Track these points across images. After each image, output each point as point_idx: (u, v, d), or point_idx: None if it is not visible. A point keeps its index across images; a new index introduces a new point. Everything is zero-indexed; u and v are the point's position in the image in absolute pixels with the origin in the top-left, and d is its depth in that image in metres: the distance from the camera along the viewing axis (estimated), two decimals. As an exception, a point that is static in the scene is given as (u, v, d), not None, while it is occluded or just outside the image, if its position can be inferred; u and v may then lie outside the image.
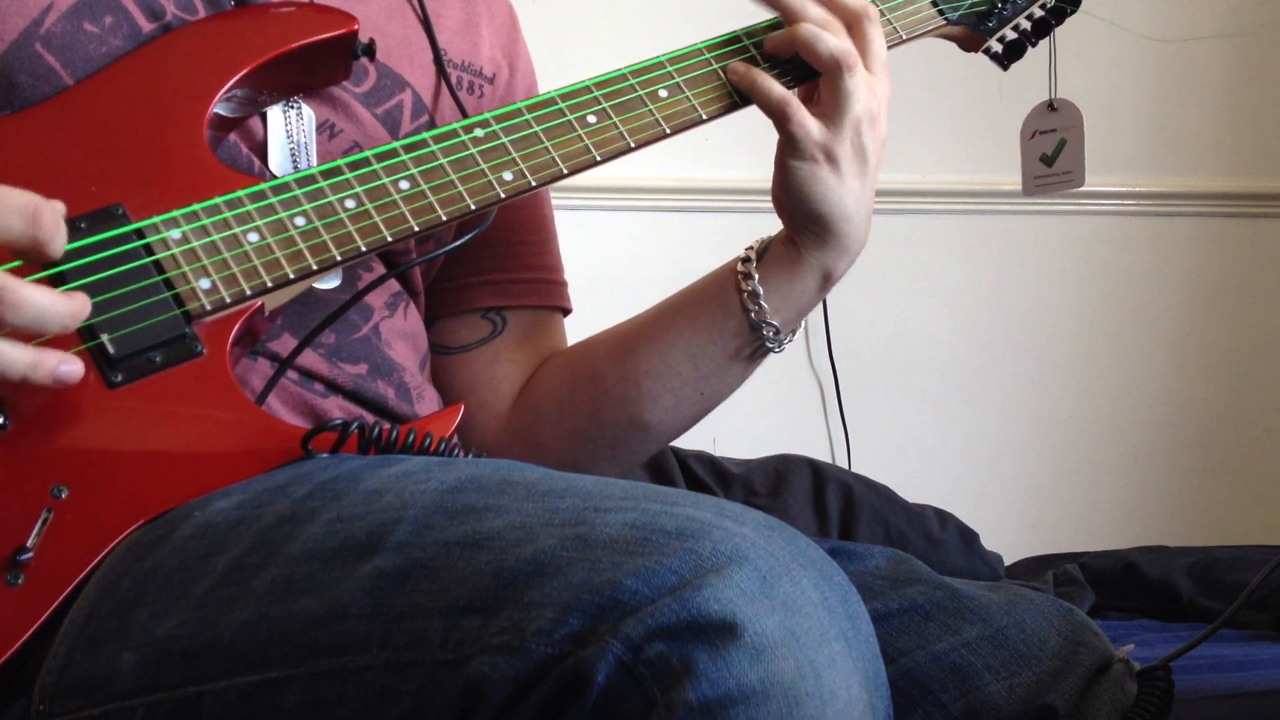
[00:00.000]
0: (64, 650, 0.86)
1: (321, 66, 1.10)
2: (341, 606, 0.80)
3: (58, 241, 0.88)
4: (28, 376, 0.87)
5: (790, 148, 1.11)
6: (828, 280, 1.17)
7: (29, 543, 0.88)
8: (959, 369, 2.61)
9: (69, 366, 0.88)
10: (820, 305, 2.50)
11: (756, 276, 1.16)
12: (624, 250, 2.42)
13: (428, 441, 0.97)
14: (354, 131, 1.13)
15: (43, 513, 0.90)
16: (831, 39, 1.11)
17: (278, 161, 1.09)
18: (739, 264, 1.18)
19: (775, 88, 1.11)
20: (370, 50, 1.11)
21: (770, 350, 1.18)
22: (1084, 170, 1.52)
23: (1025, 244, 2.62)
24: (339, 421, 0.96)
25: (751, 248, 1.19)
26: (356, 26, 1.08)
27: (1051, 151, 1.54)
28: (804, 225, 1.14)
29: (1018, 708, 0.98)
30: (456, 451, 0.98)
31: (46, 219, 0.87)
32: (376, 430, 0.96)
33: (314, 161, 1.10)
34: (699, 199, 2.49)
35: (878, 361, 2.57)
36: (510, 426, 1.25)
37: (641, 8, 2.46)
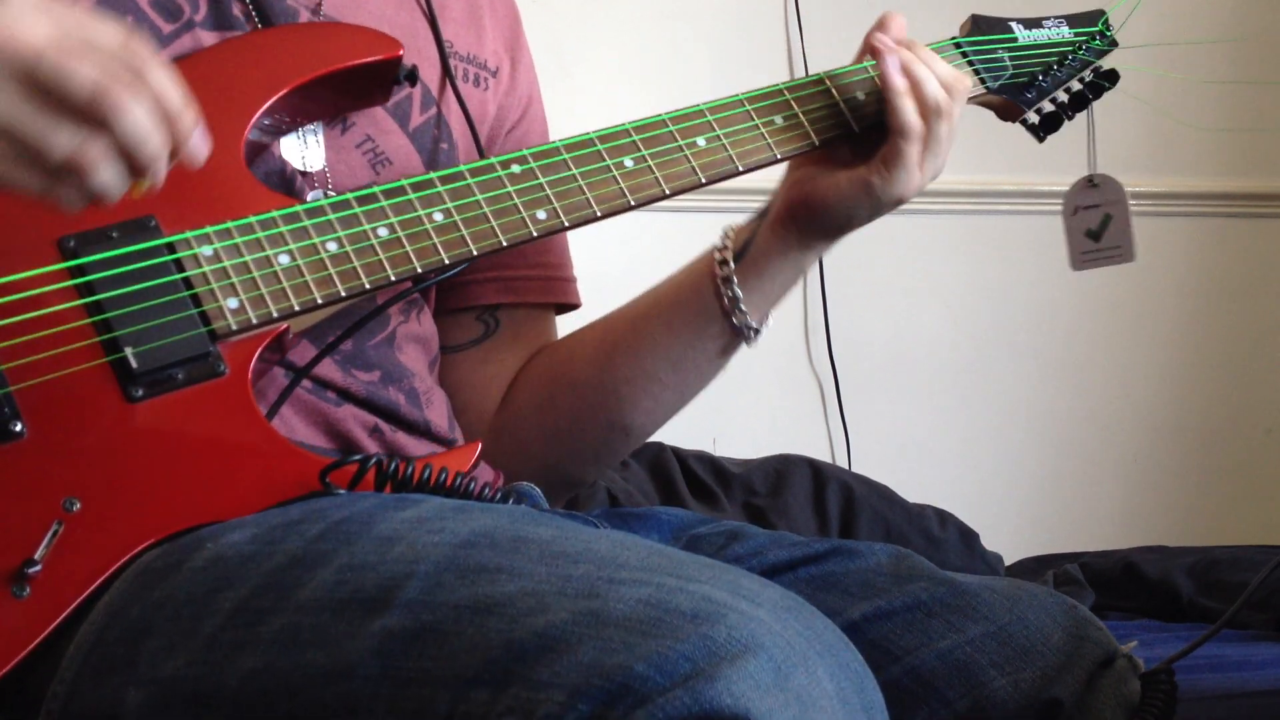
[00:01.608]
0: (70, 676, 0.85)
1: (362, 90, 1.10)
2: (349, 665, 0.79)
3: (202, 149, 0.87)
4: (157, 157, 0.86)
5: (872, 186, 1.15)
6: (803, 275, 1.22)
7: (37, 555, 0.88)
8: (959, 369, 2.60)
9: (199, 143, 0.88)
10: (821, 305, 2.52)
11: (736, 280, 1.18)
12: (624, 250, 2.41)
13: (443, 477, 0.96)
14: (366, 124, 1.12)
15: (53, 525, 0.89)
16: (920, 125, 1.14)
17: (287, 150, 1.08)
18: (717, 266, 1.19)
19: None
20: (413, 76, 1.11)
21: (746, 345, 1.21)
22: (1133, 245, 1.47)
23: (1025, 244, 2.61)
24: (358, 457, 0.95)
25: (725, 249, 1.20)
26: (401, 52, 1.08)
27: (1097, 226, 1.49)
28: (826, 233, 1.18)
29: (1023, 703, 0.99)
30: (472, 488, 0.98)
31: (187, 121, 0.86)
32: (394, 466, 0.95)
33: (323, 154, 1.10)
34: (699, 199, 2.47)
35: (878, 361, 2.57)
36: (495, 427, 1.25)
37: (641, 8, 2.45)
